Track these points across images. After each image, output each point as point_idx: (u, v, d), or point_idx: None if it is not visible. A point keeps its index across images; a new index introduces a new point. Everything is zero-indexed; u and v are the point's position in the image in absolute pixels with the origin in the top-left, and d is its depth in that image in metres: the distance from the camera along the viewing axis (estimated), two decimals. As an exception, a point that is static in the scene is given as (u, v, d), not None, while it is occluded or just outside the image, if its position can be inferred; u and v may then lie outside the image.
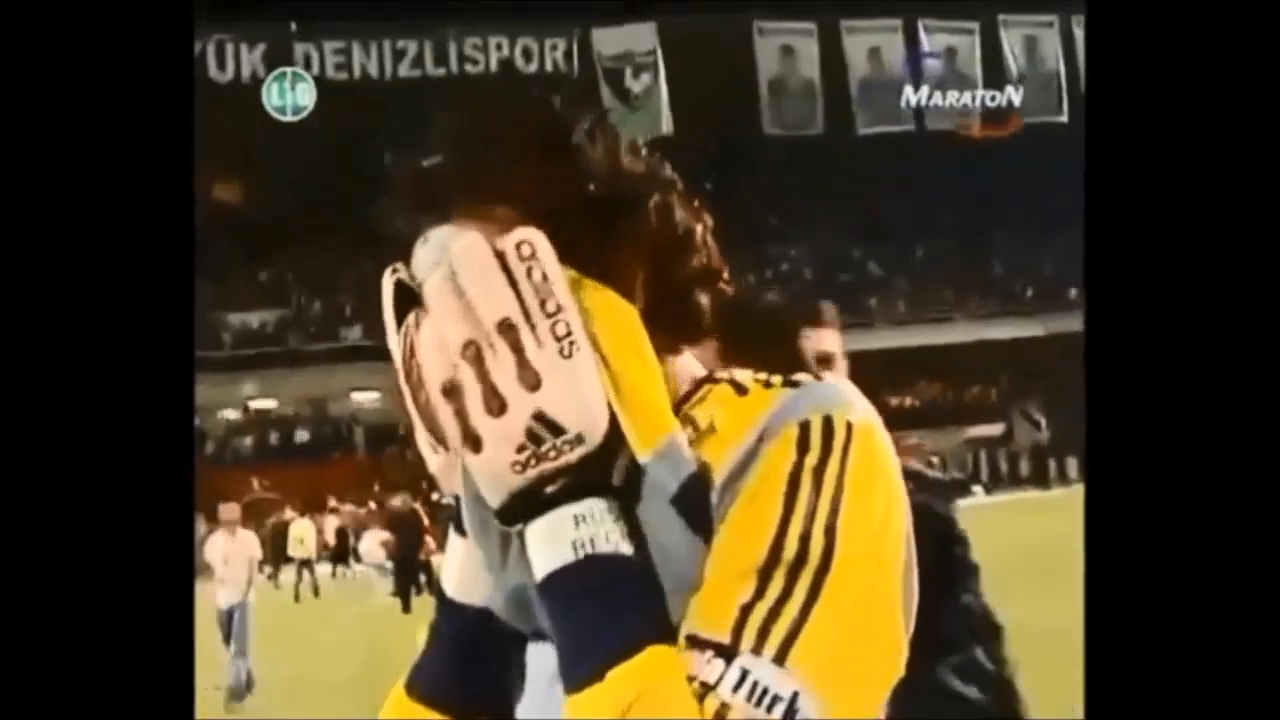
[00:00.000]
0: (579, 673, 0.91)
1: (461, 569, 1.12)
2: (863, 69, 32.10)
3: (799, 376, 1.05)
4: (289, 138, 32.88)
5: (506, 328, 0.91)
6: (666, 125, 29.53)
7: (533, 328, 0.91)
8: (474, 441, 0.92)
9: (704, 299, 1.09)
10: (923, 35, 31.17)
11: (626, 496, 0.94)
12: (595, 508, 0.92)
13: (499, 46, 31.04)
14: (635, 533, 0.93)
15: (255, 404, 36.30)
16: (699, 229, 1.10)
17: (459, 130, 1.07)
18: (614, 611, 0.91)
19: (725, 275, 1.12)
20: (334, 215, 33.89)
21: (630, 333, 0.98)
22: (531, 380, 0.91)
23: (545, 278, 0.92)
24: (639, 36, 30.18)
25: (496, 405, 0.91)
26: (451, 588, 1.13)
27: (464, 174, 1.03)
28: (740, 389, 1.05)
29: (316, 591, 22.06)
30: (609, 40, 30.34)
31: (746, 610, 0.92)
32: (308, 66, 28.96)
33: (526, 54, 31.11)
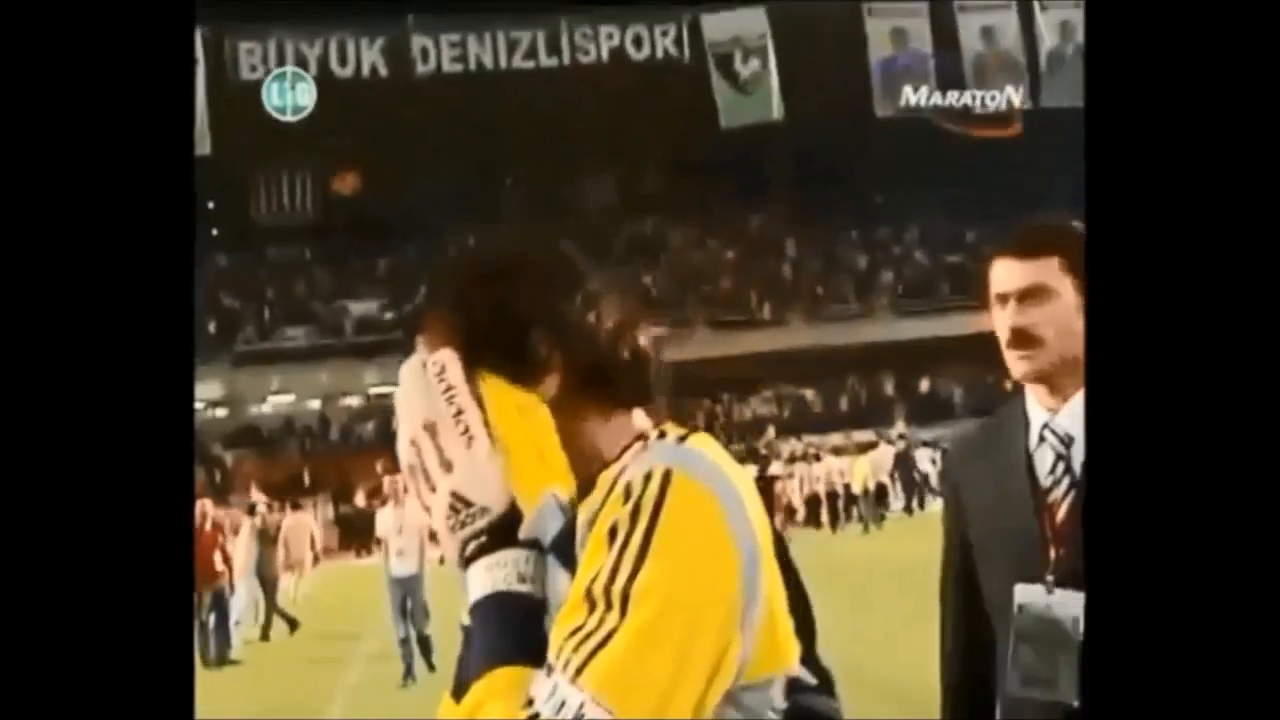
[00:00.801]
0: (454, 688, 1.20)
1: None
2: (976, 48, 31.63)
3: (658, 436, 1.29)
4: (399, 133, 33.45)
5: (429, 427, 1.24)
6: (777, 110, 29.49)
7: (445, 426, 1.23)
8: (427, 510, 1.25)
9: (627, 371, 1.32)
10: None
11: (533, 547, 1.23)
12: (506, 558, 1.22)
13: (610, 35, 31.26)
14: (538, 576, 1.22)
15: (375, 390, 37.09)
16: (608, 309, 1.32)
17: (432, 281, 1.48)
18: (490, 639, 1.19)
19: (642, 344, 1.33)
20: (446, 208, 34.34)
21: (520, 421, 1.26)
22: (448, 466, 1.23)
23: (451, 387, 1.24)
24: (749, 21, 30.12)
25: (429, 486, 1.24)
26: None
27: (421, 313, 1.37)
28: (645, 444, 1.30)
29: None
30: (719, 25, 30.33)
31: (568, 637, 1.16)
32: (425, 59, 29.54)
33: (637, 41, 31.28)
